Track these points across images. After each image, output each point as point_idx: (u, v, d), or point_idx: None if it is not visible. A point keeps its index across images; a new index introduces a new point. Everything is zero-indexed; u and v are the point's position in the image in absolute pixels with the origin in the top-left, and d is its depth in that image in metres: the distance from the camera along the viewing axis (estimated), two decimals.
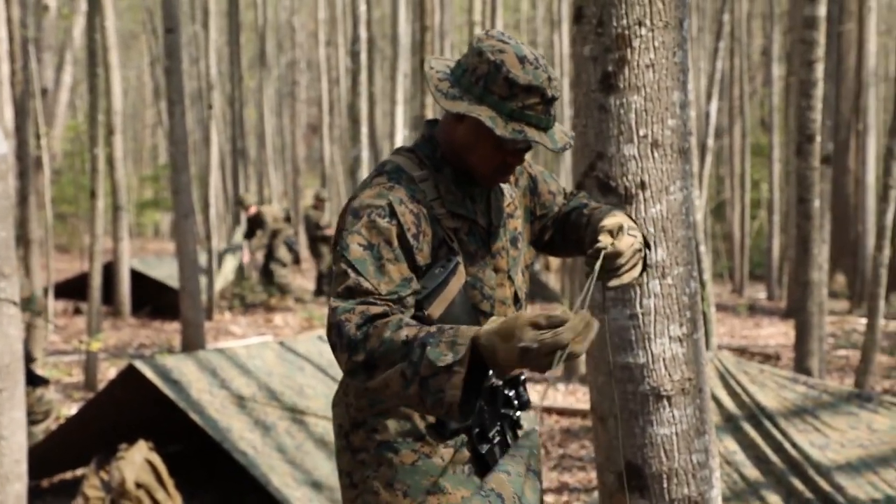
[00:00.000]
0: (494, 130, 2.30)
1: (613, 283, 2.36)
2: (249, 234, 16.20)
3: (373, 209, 2.31)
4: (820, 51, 7.58)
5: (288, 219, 16.34)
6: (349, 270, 2.21)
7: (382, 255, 2.24)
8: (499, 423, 2.52)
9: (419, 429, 2.46)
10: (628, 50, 3.17)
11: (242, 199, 16.73)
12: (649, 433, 3.30)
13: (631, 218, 2.50)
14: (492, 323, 1.98)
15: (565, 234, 2.71)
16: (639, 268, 2.40)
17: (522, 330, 1.89)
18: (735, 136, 22.68)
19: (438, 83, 2.38)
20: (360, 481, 2.48)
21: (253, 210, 16.13)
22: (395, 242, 2.28)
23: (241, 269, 17.05)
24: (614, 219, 2.42)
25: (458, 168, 2.49)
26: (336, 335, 2.13)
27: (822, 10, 7.64)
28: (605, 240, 2.35)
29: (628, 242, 2.36)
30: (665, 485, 3.30)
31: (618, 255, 2.33)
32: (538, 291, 17.25)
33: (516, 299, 2.60)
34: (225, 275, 16.04)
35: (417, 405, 2.05)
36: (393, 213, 2.30)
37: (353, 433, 2.51)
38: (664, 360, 3.27)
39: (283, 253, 15.88)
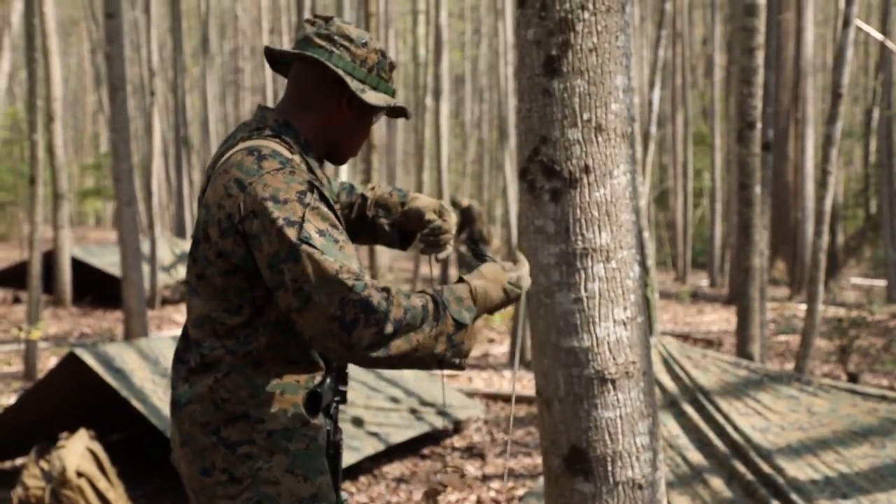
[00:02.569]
0: (408, 116, 2.57)
1: (442, 255, 2.81)
2: None
3: (301, 194, 2.23)
4: (760, 38, 7.65)
5: None
6: (326, 255, 2.16)
7: (338, 239, 2.21)
8: (336, 398, 2.54)
9: (305, 412, 2.43)
10: (571, 34, 3.17)
11: None
12: (594, 416, 3.31)
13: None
14: (474, 274, 2.34)
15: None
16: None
17: (505, 274, 2.36)
18: (678, 124, 22.89)
19: (359, 85, 2.45)
20: (248, 474, 2.39)
21: None
22: (339, 224, 2.26)
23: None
24: (429, 201, 2.81)
25: (319, 152, 2.52)
26: (361, 310, 2.14)
27: None
28: (435, 219, 2.78)
29: (455, 219, 2.81)
30: (609, 468, 3.32)
31: (447, 231, 2.78)
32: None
33: None
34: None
35: (438, 360, 2.26)
36: (323, 197, 2.27)
37: (226, 428, 2.40)
38: (609, 343, 3.28)
39: None
